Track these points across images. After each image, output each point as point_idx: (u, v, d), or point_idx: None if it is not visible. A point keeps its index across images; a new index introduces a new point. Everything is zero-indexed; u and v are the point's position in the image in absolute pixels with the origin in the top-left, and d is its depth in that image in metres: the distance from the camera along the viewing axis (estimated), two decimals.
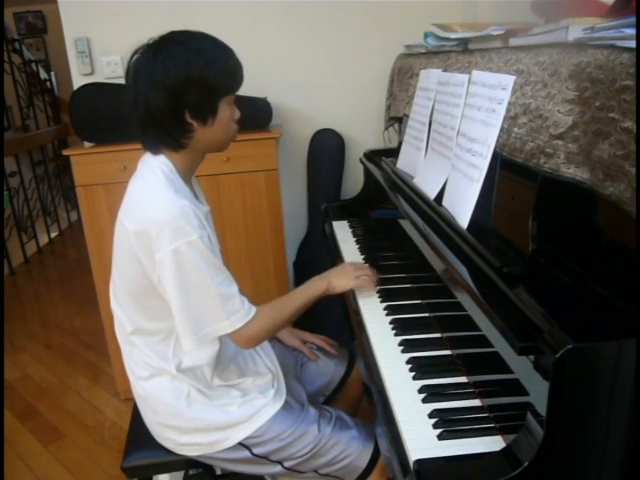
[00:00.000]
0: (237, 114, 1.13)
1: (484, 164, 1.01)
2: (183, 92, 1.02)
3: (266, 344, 1.32)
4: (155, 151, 1.10)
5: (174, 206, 1.02)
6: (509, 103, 0.98)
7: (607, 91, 0.72)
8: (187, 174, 1.14)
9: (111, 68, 2.17)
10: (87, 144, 2.05)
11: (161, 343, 1.13)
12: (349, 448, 1.16)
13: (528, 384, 0.79)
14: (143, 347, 1.15)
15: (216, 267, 1.06)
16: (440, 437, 0.87)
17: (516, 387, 0.81)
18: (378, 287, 1.34)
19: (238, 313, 1.08)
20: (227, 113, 1.09)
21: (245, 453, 1.17)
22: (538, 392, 0.73)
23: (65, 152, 1.99)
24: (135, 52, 1.06)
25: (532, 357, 0.75)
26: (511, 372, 0.83)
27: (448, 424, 0.89)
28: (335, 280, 1.26)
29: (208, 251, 1.04)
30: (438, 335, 1.15)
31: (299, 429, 1.16)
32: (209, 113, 1.06)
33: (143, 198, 1.07)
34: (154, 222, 1.01)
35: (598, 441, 0.70)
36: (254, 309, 1.11)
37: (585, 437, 0.70)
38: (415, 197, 1.30)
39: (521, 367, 0.79)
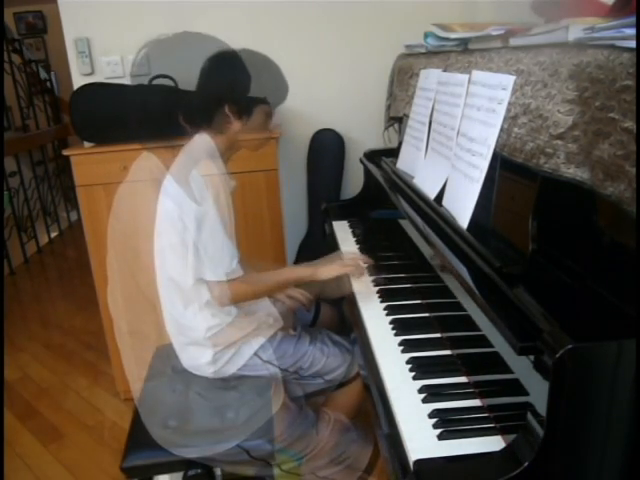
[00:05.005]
0: (270, 124, 1.37)
1: (484, 164, 1.01)
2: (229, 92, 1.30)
3: None
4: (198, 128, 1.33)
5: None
6: (509, 103, 0.98)
7: (607, 91, 0.72)
8: (226, 153, 1.37)
9: (111, 68, 2.17)
10: (87, 144, 2.05)
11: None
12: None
13: (528, 384, 0.79)
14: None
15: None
16: (440, 437, 0.87)
17: (516, 387, 0.81)
18: (370, 276, 1.39)
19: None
20: (260, 118, 1.33)
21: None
22: (538, 392, 0.73)
23: (65, 152, 1.99)
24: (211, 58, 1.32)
25: (532, 357, 0.75)
26: (511, 372, 0.83)
27: (448, 424, 0.89)
28: (321, 266, 1.35)
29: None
30: (438, 335, 1.15)
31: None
32: (244, 112, 1.31)
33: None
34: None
35: (598, 441, 0.70)
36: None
37: (585, 437, 0.70)
38: (415, 197, 1.30)
39: (521, 367, 0.79)
